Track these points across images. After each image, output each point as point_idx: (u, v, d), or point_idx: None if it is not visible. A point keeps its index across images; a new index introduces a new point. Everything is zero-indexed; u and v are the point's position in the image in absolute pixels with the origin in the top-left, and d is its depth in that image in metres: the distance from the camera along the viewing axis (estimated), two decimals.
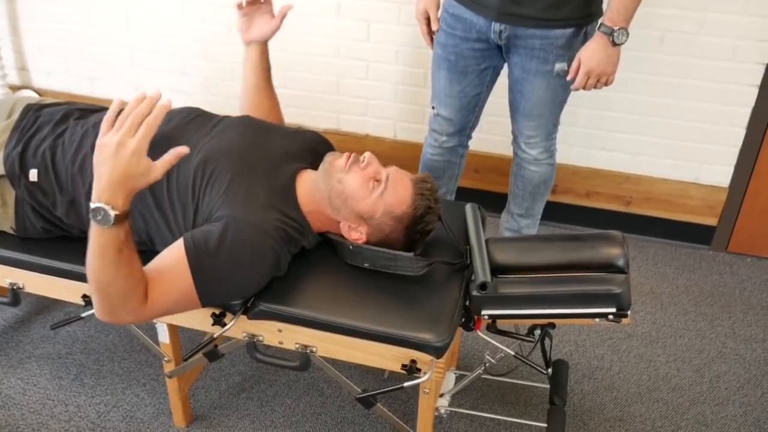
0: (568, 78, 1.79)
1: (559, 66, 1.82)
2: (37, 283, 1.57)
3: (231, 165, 1.42)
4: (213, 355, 1.54)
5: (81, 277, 1.48)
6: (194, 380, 1.83)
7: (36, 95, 2.99)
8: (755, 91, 2.26)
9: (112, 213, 1.15)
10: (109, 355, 1.96)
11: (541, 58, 1.81)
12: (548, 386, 1.63)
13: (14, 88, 2.99)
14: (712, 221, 2.50)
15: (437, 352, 1.36)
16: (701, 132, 2.37)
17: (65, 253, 1.52)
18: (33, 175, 1.49)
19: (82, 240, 1.46)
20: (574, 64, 1.75)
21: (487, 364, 1.59)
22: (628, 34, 1.68)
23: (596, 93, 2.35)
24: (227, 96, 2.77)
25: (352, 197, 1.42)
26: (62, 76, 2.96)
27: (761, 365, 2.02)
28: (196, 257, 1.30)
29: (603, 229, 2.58)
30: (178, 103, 2.88)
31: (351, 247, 1.47)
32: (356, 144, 2.70)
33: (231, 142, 1.49)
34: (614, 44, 1.69)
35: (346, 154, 1.46)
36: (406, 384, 1.40)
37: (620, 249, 1.49)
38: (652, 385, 1.95)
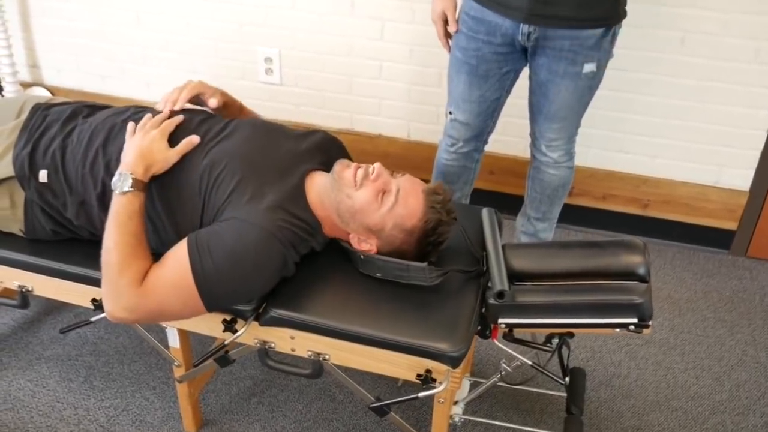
0: None
1: (588, 68, 1.78)
2: (46, 286, 1.54)
3: (239, 167, 1.39)
4: (224, 361, 1.51)
5: (90, 281, 1.47)
6: (205, 385, 1.81)
7: (47, 92, 2.97)
8: None
9: (131, 177, 1.32)
10: (119, 358, 1.94)
11: (570, 60, 1.77)
12: (564, 394, 1.60)
13: (25, 85, 2.97)
14: (731, 225, 2.45)
15: (453, 362, 1.32)
16: (722, 135, 2.32)
17: (74, 256, 1.50)
18: (43, 176, 1.46)
19: (91, 243, 1.45)
20: None
21: (503, 373, 1.56)
22: None
23: (616, 95, 2.33)
24: (239, 95, 2.71)
25: (361, 211, 1.38)
26: (73, 74, 2.95)
27: None
28: (198, 258, 1.28)
29: (619, 232, 2.58)
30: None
31: (362, 256, 1.43)
32: (369, 144, 2.67)
33: (239, 144, 1.46)
34: None
35: (354, 166, 1.42)
36: (421, 395, 1.37)
37: (641, 257, 1.46)
38: (670, 394, 1.91)
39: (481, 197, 2.45)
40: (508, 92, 1.98)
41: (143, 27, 2.75)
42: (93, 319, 1.51)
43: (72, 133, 1.49)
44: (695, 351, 2.05)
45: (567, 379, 1.59)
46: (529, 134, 2.06)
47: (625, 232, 2.55)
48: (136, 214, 1.33)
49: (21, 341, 1.99)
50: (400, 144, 2.65)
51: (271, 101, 2.72)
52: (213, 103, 1.55)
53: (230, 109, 1.65)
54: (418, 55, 2.46)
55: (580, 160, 2.37)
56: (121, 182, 1.33)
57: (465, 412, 1.60)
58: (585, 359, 2.01)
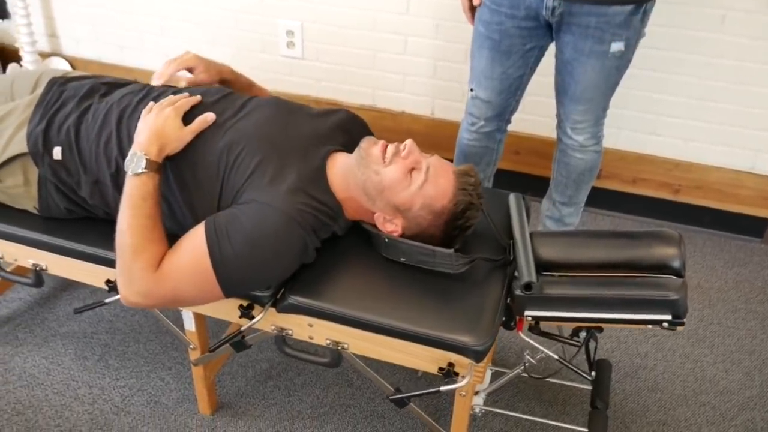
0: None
1: (616, 47, 1.69)
2: (60, 265, 1.51)
3: (258, 147, 1.34)
4: (240, 346, 1.47)
5: (105, 262, 1.44)
6: (220, 367, 1.78)
7: (65, 63, 2.93)
8: None
9: (145, 158, 1.27)
10: (135, 336, 1.92)
11: (597, 38, 1.68)
12: (588, 387, 1.54)
13: (44, 55, 2.93)
14: (766, 213, 2.36)
15: (477, 356, 1.27)
16: (759, 118, 2.22)
17: (89, 235, 1.46)
18: (57, 153, 1.42)
19: (106, 222, 1.42)
20: None
21: (526, 364, 1.51)
22: None
23: (650, 74, 2.23)
24: (259, 68, 2.68)
25: (389, 188, 1.32)
26: (92, 44, 2.89)
27: None
28: (216, 243, 1.23)
29: (648, 217, 2.50)
30: None
31: (386, 239, 1.38)
32: (392, 121, 2.60)
33: (259, 123, 1.40)
34: None
35: (382, 142, 1.37)
36: (443, 388, 1.32)
37: (676, 249, 1.39)
38: (698, 388, 1.85)
39: (505, 178, 2.39)
40: (532, 70, 1.90)
41: None
42: (107, 300, 1.47)
43: (88, 111, 1.44)
44: (725, 343, 1.99)
45: (593, 373, 1.54)
46: (555, 115, 1.98)
47: (655, 217, 2.47)
48: (150, 195, 1.28)
49: (37, 317, 1.97)
50: (423, 122, 2.58)
51: (292, 75, 2.65)
52: (199, 79, 1.53)
53: (235, 85, 1.62)
54: (444, 29, 2.38)
55: (610, 142, 2.30)
56: (135, 163, 1.28)
57: (485, 403, 1.55)
58: (610, 349, 1.95)
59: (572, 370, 1.48)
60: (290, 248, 1.28)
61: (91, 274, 1.49)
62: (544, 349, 1.45)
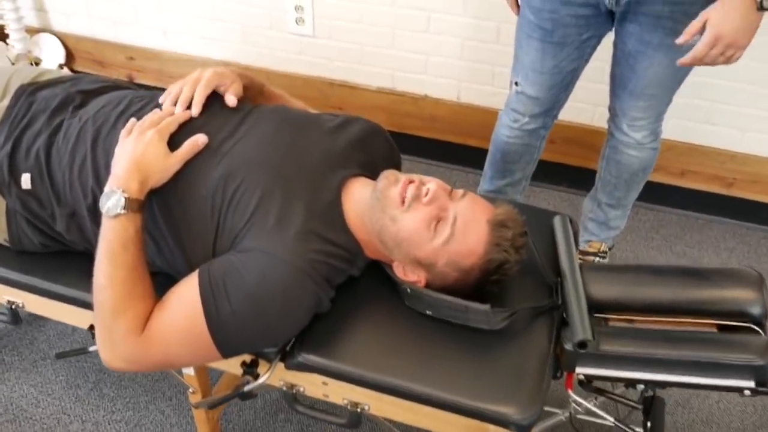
0: (681, 40, 1.36)
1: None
2: (38, 305, 1.32)
3: (260, 178, 1.12)
4: (246, 396, 1.29)
5: (87, 305, 1.23)
6: (225, 407, 1.60)
7: (56, 41, 2.68)
8: None
9: (124, 196, 1.06)
10: None
11: (668, 29, 1.42)
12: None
13: (32, 31, 2.68)
14: None
15: (521, 430, 1.07)
16: None
17: (69, 274, 1.26)
18: (26, 181, 1.21)
19: (88, 257, 1.21)
20: (695, 24, 1.33)
21: (572, 413, 1.32)
22: None
23: None
24: (266, 46, 2.43)
25: (407, 241, 1.10)
26: (84, 19, 2.65)
27: None
28: (212, 300, 1.03)
29: (697, 212, 2.26)
30: (211, 54, 2.58)
31: (409, 290, 1.17)
32: (413, 106, 2.35)
33: (260, 146, 1.17)
34: (761, 8, 1.27)
35: (404, 180, 1.12)
36: None
37: (757, 292, 1.18)
38: (758, 421, 1.65)
39: (539, 169, 2.15)
40: (586, 61, 1.65)
41: None
42: (92, 349, 1.28)
43: (60, 129, 1.22)
44: None
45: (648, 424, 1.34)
46: (608, 108, 1.73)
47: (705, 212, 2.25)
48: (132, 242, 1.07)
49: (26, 337, 1.79)
50: (448, 107, 2.33)
51: (302, 54, 2.41)
52: (231, 100, 1.22)
53: (249, 92, 1.32)
54: (473, 5, 2.11)
55: None
56: (112, 202, 1.06)
57: None
58: None
59: (623, 427, 1.28)
60: (300, 305, 1.08)
61: (74, 316, 1.29)
62: (597, 409, 1.25)
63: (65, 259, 1.28)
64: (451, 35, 2.19)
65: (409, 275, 1.15)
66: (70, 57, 2.74)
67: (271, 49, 2.42)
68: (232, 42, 2.47)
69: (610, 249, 2.00)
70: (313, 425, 1.61)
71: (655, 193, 2.25)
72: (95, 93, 1.31)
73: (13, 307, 1.35)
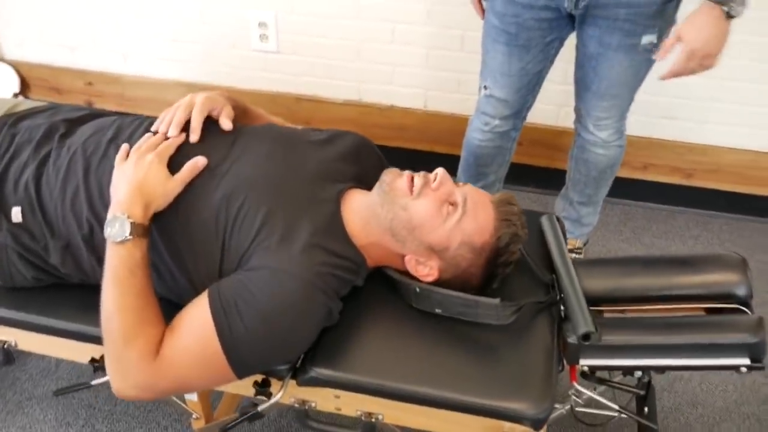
0: (659, 57, 1.46)
1: (647, 39, 1.50)
2: (33, 342, 1.29)
3: (261, 196, 1.13)
4: (254, 417, 1.28)
5: (86, 338, 1.22)
6: None
7: (10, 71, 2.61)
8: None
9: (129, 222, 1.05)
10: None
11: (626, 31, 1.49)
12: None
13: None
14: None
15: (536, 424, 1.10)
16: None
17: (65, 307, 1.23)
18: (16, 214, 1.19)
19: (83, 288, 1.20)
20: (670, 40, 1.42)
21: (573, 406, 1.35)
22: (744, 2, 1.35)
23: None
24: (229, 65, 2.42)
25: (420, 226, 1.13)
26: (37, 45, 2.59)
27: None
28: (224, 320, 1.03)
29: (660, 203, 2.35)
30: (173, 75, 2.55)
31: (417, 289, 1.19)
32: (380, 116, 2.38)
33: (257, 164, 1.18)
34: (728, 17, 1.36)
35: (407, 173, 1.17)
36: None
37: (739, 274, 1.24)
38: (739, 398, 1.73)
39: (508, 172, 2.20)
40: (551, 62, 1.71)
41: None
42: (94, 382, 1.25)
43: (48, 160, 1.20)
44: None
45: (645, 409, 1.39)
46: (574, 109, 1.80)
47: (668, 203, 2.34)
48: (139, 267, 1.06)
49: (7, 377, 1.73)
50: (415, 115, 2.37)
51: (267, 71, 2.41)
52: (227, 124, 1.23)
53: (234, 113, 1.33)
54: (437, 14, 2.16)
55: None
56: (117, 229, 1.05)
57: None
58: None
59: (626, 415, 1.33)
60: (312, 318, 1.09)
61: (72, 351, 1.26)
62: (601, 398, 1.28)
63: (59, 293, 1.25)
64: (416, 45, 2.23)
65: (421, 269, 1.18)
66: (24, 85, 2.67)
67: (234, 67, 2.42)
68: (195, 62, 2.45)
69: (584, 245, 2.07)
70: None
71: (621, 188, 2.32)
72: (79, 121, 1.29)
73: (5, 346, 1.31)
